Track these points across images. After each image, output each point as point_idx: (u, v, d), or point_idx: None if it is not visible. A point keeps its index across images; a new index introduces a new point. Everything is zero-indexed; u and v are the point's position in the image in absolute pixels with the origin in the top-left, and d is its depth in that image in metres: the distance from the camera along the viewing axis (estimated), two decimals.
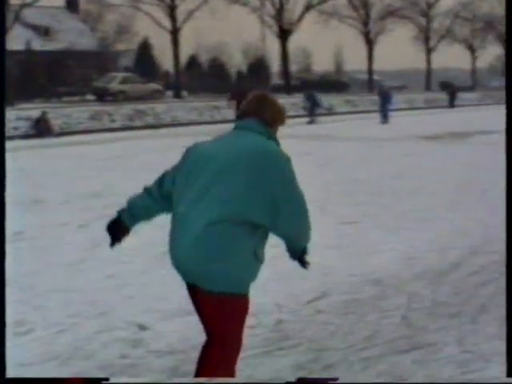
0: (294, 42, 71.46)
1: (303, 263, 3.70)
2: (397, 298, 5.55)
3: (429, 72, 76.83)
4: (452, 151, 17.62)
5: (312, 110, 30.33)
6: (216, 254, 3.24)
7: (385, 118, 30.29)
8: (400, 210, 9.35)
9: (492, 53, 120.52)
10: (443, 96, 49.76)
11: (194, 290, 3.41)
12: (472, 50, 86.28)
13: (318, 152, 17.63)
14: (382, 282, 5.94)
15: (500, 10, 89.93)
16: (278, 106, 3.62)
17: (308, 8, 60.14)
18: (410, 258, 6.79)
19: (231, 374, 3.41)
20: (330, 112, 28.90)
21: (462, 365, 4.26)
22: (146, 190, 3.62)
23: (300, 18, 59.28)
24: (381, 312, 5.24)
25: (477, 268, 6.36)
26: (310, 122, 29.57)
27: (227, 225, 3.25)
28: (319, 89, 40.78)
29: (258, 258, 3.40)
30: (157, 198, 3.57)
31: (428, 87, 73.83)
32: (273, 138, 3.53)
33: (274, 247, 7.19)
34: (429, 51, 76.94)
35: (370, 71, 69.68)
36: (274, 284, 5.97)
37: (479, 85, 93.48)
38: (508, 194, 3.86)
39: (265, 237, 3.44)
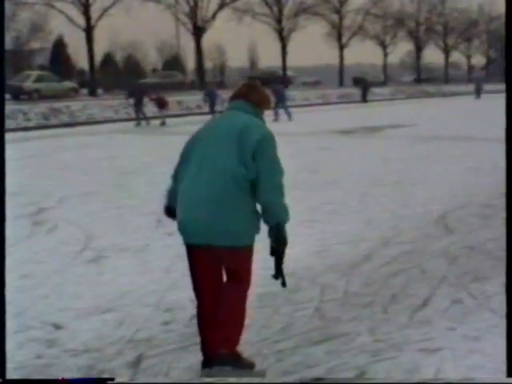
0: (208, 39, 71.53)
1: (278, 271, 4.31)
2: (310, 290, 5.61)
3: (342, 68, 78.02)
4: (364, 145, 17.96)
5: (213, 108, 29.27)
6: (229, 210, 3.86)
7: (279, 115, 28.25)
8: (313, 203, 9.44)
9: (403, 49, 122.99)
10: (356, 91, 50.62)
11: (202, 253, 4.01)
12: (383, 46, 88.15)
13: None
14: (295, 274, 5.98)
15: (410, 7, 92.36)
16: (263, 92, 4.27)
17: (222, 5, 60.38)
18: (323, 250, 6.87)
19: (245, 303, 4.11)
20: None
21: (375, 354, 4.34)
22: (172, 177, 4.19)
23: (214, 16, 59.44)
24: (295, 304, 5.29)
25: (388, 259, 6.49)
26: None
27: (235, 186, 3.85)
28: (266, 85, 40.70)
29: (258, 214, 4.00)
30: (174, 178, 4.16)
31: (341, 83, 74.93)
32: (259, 117, 4.17)
33: None
34: (341, 47, 78.12)
35: (284, 67, 70.26)
36: (187, 279, 5.95)
37: (391, 80, 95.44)
38: (508, 193, 3.91)
39: None
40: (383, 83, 78.31)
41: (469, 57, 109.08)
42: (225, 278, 4.18)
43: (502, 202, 8.97)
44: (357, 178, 11.76)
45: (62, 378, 3.82)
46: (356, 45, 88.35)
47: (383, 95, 51.60)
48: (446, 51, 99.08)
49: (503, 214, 8.29)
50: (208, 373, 3.92)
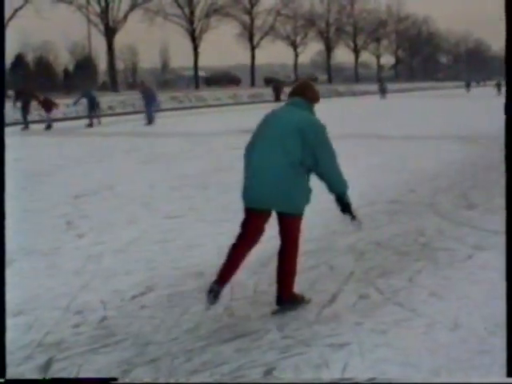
0: (120, 39, 70.62)
1: (352, 216, 5.26)
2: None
3: (253, 68, 78.48)
4: None
5: (91, 111, 27.29)
6: (289, 185, 4.91)
7: (149, 118, 26.87)
8: (224, 202, 9.46)
9: (313, 49, 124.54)
10: (268, 91, 50.99)
11: (259, 215, 5.13)
12: (294, 46, 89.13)
13: (144, 148, 17.58)
14: (204, 274, 5.98)
15: (320, 8, 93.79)
16: (315, 90, 5.29)
17: (133, 6, 60.09)
18: None
19: (296, 258, 5.14)
20: (156, 109, 28.16)
21: (283, 350, 4.37)
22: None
23: (125, 16, 59.05)
24: (204, 303, 5.29)
25: None
26: (90, 125, 26.50)
27: (294, 167, 4.89)
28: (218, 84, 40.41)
29: (310, 189, 5.07)
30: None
31: (253, 83, 75.36)
32: (312, 111, 5.17)
33: (100, 244, 7.16)
34: (253, 48, 78.61)
35: (196, 68, 70.21)
36: (98, 281, 5.92)
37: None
38: (508, 194, 4.00)
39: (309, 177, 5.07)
40: (294, 83, 79.07)
41: (378, 56, 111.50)
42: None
43: (408, 198, 9.29)
44: None
45: (65, 378, 4.01)
46: (267, 45, 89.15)
47: None
48: (356, 51, 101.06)
49: (410, 210, 8.58)
50: (279, 309, 5.11)
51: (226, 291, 5.54)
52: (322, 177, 5.04)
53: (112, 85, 54.27)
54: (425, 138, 18.65)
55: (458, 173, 11.64)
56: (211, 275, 5.93)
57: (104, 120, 28.47)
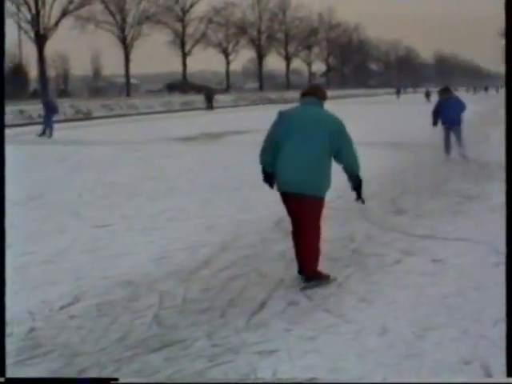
0: (51, 47, 69.59)
1: (359, 196, 6.26)
2: (148, 298, 5.56)
3: (185, 75, 78.32)
4: (206, 151, 18.10)
5: (47, 118, 25.80)
6: (320, 173, 5.84)
7: (48, 130, 25.31)
8: (154, 210, 9.40)
9: (245, 56, 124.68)
10: (200, 98, 50.93)
11: (294, 200, 5.88)
12: (226, 53, 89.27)
13: (74, 157, 17.34)
14: (133, 282, 5.94)
15: (252, 15, 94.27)
16: (323, 90, 6.19)
17: (64, 13, 59.38)
18: (162, 257, 6.84)
19: (319, 237, 5.99)
20: (87, 117, 27.55)
21: (212, 358, 4.36)
22: (265, 150, 6.07)
23: (57, 24, 58.28)
24: (133, 313, 5.24)
25: (227, 263, 6.55)
26: (42, 134, 25.25)
27: (321, 156, 5.80)
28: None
29: (331, 175, 5.93)
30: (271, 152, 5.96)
31: (185, 90, 75.13)
32: (323, 108, 6.07)
33: (27, 254, 7.00)
34: (185, 55, 78.45)
35: (128, 75, 69.70)
36: (26, 292, 5.80)
37: (234, 87, 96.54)
38: (508, 194, 4.08)
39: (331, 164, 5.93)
40: (226, 90, 79.26)
41: (309, 64, 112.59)
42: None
43: (338, 204, 9.37)
44: (197, 184, 11.84)
45: (65, 378, 4.04)
46: (199, 52, 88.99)
47: (226, 102, 52.26)
48: (288, 58, 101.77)
49: (339, 216, 8.65)
50: (305, 285, 5.80)
51: (154, 300, 5.52)
52: (341, 161, 5.98)
53: (43, 92, 53.40)
54: (355, 145, 18.89)
55: (387, 179, 11.83)
56: (141, 285, 5.92)
57: (35, 128, 27.91)
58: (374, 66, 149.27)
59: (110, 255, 7.00)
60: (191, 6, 79.32)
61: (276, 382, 4.16)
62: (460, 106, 15.46)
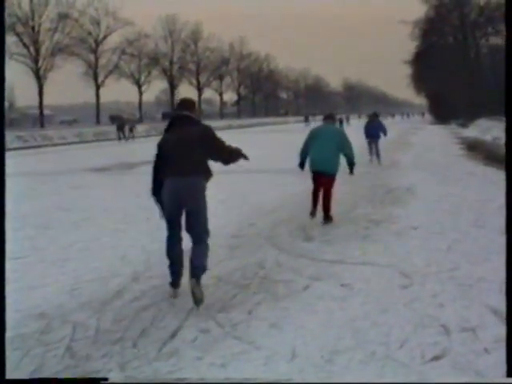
0: None
1: (352, 171, 10.66)
2: (61, 330, 5.47)
3: (98, 106, 77.55)
4: (119, 181, 17.94)
5: None
6: (335, 160, 10.43)
7: None
8: (66, 241, 9.25)
9: (158, 86, 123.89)
10: (113, 129, 50.42)
11: (320, 175, 10.50)
12: (139, 84, 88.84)
13: None
14: (46, 314, 5.83)
15: (164, 47, 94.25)
16: (335, 117, 11.69)
17: None
18: (75, 288, 6.73)
19: (332, 195, 10.62)
20: None
21: None
22: (302, 150, 10.76)
23: None
24: (46, 345, 5.15)
25: (138, 294, 6.50)
26: None
27: (336, 152, 10.44)
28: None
29: (339, 162, 10.63)
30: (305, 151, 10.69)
31: (98, 121, 74.42)
32: (336, 125, 11.75)
33: None
34: (98, 86, 77.72)
35: (41, 107, 68.56)
36: None
37: (147, 117, 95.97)
38: (508, 194, 4.18)
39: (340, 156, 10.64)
40: (139, 120, 78.78)
41: (221, 94, 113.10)
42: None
43: (249, 232, 9.43)
44: (110, 214, 11.72)
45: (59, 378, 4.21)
46: (112, 83, 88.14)
47: (139, 132, 51.90)
48: (199, 88, 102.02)
49: (250, 243, 8.71)
50: (325, 222, 10.39)
51: (67, 331, 5.43)
52: (345, 154, 10.53)
53: None
54: (265, 172, 19.08)
55: (296, 205, 11.98)
56: (54, 317, 5.81)
57: None
58: (284, 95, 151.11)
59: (23, 287, 6.83)
60: (104, 37, 78.81)
61: (276, 381, 4.29)
62: (380, 127, 22.08)
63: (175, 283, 6.36)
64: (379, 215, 11.00)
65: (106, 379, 4.22)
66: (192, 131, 6.19)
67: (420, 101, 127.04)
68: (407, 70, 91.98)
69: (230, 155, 6.62)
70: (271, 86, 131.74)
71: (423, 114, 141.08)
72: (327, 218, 10.35)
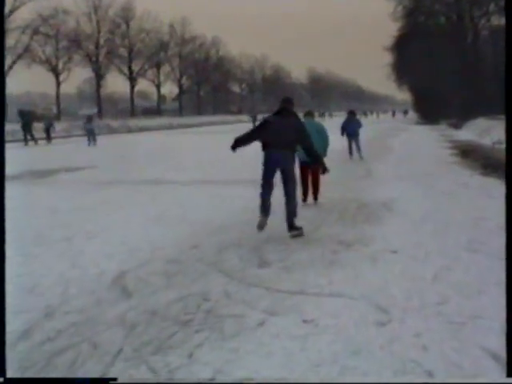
0: None
1: (324, 169, 11.81)
2: None
3: (3, 98, 76.55)
4: (30, 193, 17.77)
5: None
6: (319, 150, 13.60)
7: None
8: None
9: (80, 75, 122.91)
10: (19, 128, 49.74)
11: (306, 166, 14.57)
12: (56, 72, 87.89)
13: None
14: None
15: (88, 26, 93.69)
16: (313, 113, 16.38)
17: None
18: None
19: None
20: None
21: None
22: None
23: None
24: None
25: (53, 333, 6.46)
26: None
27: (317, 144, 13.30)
28: None
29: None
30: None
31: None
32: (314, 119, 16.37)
33: None
34: (3, 73, 76.81)
35: None
36: None
37: (67, 113, 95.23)
38: (508, 194, 4.46)
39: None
40: (57, 117, 78.12)
41: (158, 85, 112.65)
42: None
43: (190, 255, 9.45)
44: (18, 235, 11.59)
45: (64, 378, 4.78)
46: (23, 70, 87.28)
47: (56, 132, 51.46)
48: (132, 79, 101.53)
49: (192, 270, 8.71)
50: (315, 202, 14.92)
51: None
52: (303, 148, 11.73)
53: None
54: (211, 183, 19.10)
55: (249, 224, 12.00)
56: None
57: None
58: (236, 88, 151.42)
59: None
60: (11, 11, 78.03)
61: (276, 381, 4.62)
62: (358, 125, 28.23)
63: (263, 221, 11.31)
64: (350, 235, 11.09)
65: (115, 379, 4.83)
66: (290, 121, 11.44)
67: (403, 96, 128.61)
68: (387, 59, 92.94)
69: (311, 148, 11.69)
70: (220, 77, 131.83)
71: (406, 112, 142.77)
72: (316, 199, 14.92)
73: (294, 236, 11.04)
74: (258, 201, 11.29)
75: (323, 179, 14.50)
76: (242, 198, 15.40)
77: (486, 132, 40.19)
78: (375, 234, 11.14)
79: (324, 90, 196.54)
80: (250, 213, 12.86)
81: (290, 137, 11.29)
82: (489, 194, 15.84)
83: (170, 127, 76.20)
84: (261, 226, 11.16)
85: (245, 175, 20.37)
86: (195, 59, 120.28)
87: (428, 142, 41.09)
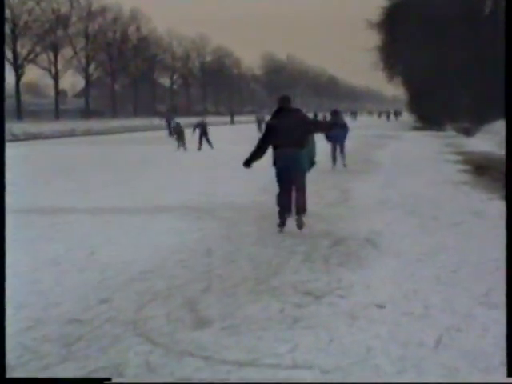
0: None
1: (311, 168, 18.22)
2: None
3: None
4: None
5: None
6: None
7: None
8: None
9: None
10: None
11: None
12: None
13: None
14: None
15: None
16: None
17: None
18: None
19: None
20: None
21: None
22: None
23: None
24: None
25: None
26: None
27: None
28: None
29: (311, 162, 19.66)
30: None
31: None
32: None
33: None
34: None
35: None
36: None
37: None
38: (508, 194, 5.43)
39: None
40: None
41: (56, 75, 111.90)
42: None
43: (98, 313, 9.43)
44: None
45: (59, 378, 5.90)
46: None
47: None
48: (17, 66, 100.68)
49: (100, 333, 8.70)
50: (296, 218, 16.04)
51: None
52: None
53: None
54: (128, 211, 19.07)
55: (183, 266, 12.00)
56: None
57: None
58: (165, 80, 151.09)
59: None
60: None
61: (276, 381, 5.42)
62: (344, 127, 31.20)
63: (283, 223, 15.78)
64: (321, 283, 11.11)
65: (109, 379, 6.00)
66: (293, 116, 15.64)
67: (394, 91, 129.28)
68: (373, 40, 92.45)
69: (325, 128, 18.20)
70: (143, 65, 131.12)
71: (397, 114, 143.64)
72: (304, 212, 16.21)
73: (298, 224, 15.83)
74: (197, 236, 11.26)
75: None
76: (172, 233, 15.37)
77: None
78: (355, 282, 11.16)
79: (285, 82, 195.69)
80: (183, 253, 12.86)
81: (298, 132, 15.60)
82: None
83: (72, 134, 75.96)
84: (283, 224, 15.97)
85: (170, 199, 20.40)
86: (107, 40, 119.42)
87: (429, 155, 41.39)
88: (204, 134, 49.11)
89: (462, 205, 19.74)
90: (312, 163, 18.45)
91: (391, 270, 11.97)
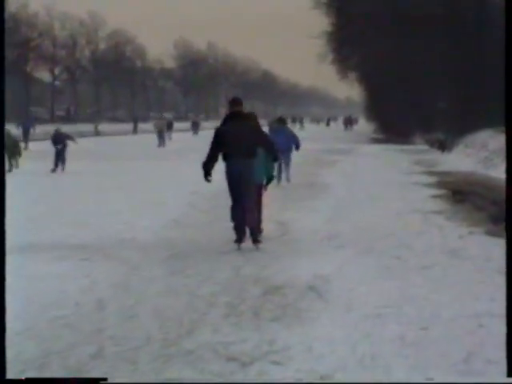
0: None
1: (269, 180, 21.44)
2: None
3: None
4: None
5: None
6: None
7: None
8: None
9: None
10: None
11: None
12: None
13: None
14: None
15: None
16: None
17: None
18: None
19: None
20: None
21: None
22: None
23: None
24: None
25: None
26: None
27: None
28: None
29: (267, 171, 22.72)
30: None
31: None
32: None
33: None
34: None
35: None
36: None
37: None
38: (508, 193, 6.43)
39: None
40: None
41: None
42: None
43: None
44: None
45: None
46: None
47: None
48: None
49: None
50: (252, 240, 19.21)
51: None
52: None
53: None
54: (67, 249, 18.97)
55: (64, 325, 11.97)
56: None
57: None
58: (45, 75, 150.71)
59: None
60: None
61: (278, 382, 6.56)
62: (290, 136, 35.43)
63: (240, 239, 18.55)
64: (249, 345, 11.09)
65: (105, 379, 7.62)
66: (245, 125, 18.31)
67: (347, 92, 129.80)
68: (319, 24, 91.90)
69: (272, 148, 18.97)
70: (15, 54, 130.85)
71: (350, 121, 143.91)
72: (260, 232, 19.28)
73: (256, 246, 18.73)
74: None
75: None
76: (49, 279, 15.29)
77: (497, 155, 40.34)
78: (293, 343, 11.15)
79: (205, 79, 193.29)
80: (70, 305, 12.82)
81: (249, 142, 18.12)
82: (499, 268, 14.92)
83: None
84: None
85: (45, 234, 20.36)
86: (55, 35, 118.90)
87: (392, 176, 41.49)
88: (62, 152, 45.81)
89: (433, 242, 19.80)
90: (270, 178, 20.24)
91: (341, 327, 11.93)
